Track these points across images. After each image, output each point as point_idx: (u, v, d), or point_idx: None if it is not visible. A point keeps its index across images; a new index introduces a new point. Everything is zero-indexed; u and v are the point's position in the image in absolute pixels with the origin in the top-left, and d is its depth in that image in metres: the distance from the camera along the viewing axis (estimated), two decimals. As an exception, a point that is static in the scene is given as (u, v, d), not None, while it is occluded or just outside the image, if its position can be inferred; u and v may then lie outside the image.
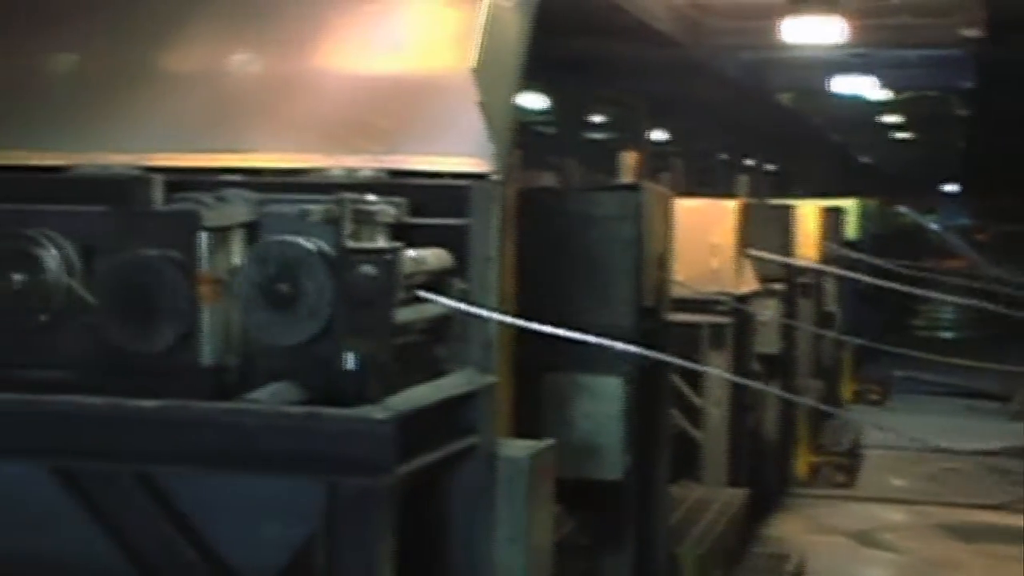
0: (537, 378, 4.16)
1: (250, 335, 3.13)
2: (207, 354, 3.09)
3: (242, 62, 3.70)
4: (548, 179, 6.71)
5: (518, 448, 3.35)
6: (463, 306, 3.28)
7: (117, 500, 2.82)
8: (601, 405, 4.29)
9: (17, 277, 3.14)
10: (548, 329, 3.35)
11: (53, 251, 3.16)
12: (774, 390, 8.29)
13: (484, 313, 3.29)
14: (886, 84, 18.19)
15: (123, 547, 2.82)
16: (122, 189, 3.30)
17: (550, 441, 3.48)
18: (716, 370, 7.15)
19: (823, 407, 10.12)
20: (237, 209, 3.26)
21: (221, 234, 3.17)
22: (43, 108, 3.71)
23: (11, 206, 3.32)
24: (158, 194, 3.28)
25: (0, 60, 3.79)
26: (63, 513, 2.83)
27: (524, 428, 3.54)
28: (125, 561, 2.81)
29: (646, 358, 4.23)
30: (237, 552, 2.81)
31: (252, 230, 3.21)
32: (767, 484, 8.77)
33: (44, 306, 3.15)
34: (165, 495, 2.82)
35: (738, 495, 7.14)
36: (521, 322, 3.37)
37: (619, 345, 3.82)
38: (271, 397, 2.95)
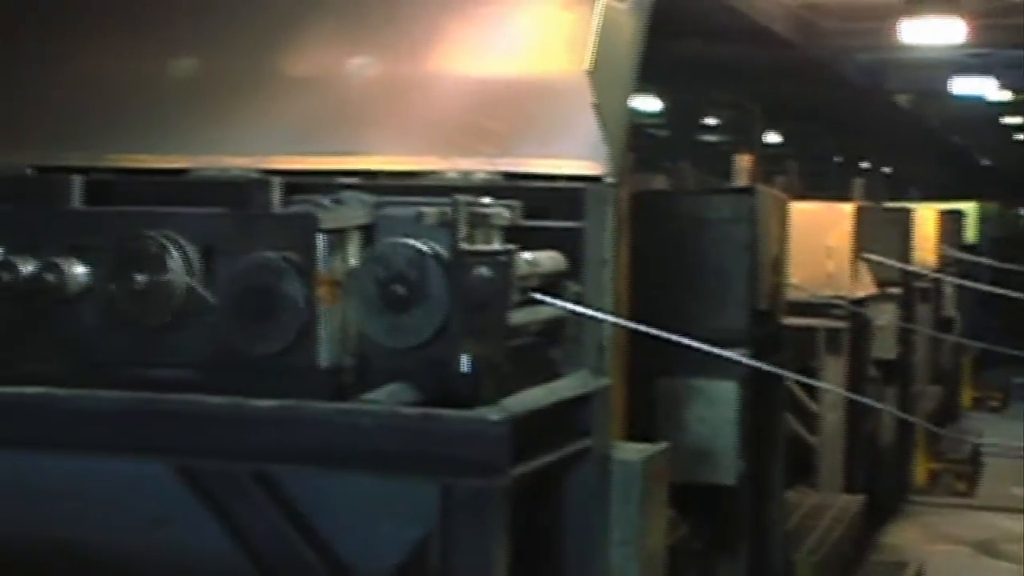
0: (650, 381, 4.14)
1: (366, 336, 3.16)
2: (324, 355, 3.12)
3: (359, 65, 3.73)
4: (660, 182, 6.68)
5: (632, 451, 3.34)
6: (578, 308, 3.27)
7: (236, 498, 2.86)
8: (715, 409, 4.26)
9: (140, 278, 3.20)
10: (662, 334, 3.33)
11: (175, 253, 3.21)
12: (883, 405, 8.16)
13: (599, 315, 3.28)
14: (1006, 85, 17.81)
15: (242, 545, 2.86)
16: (241, 191, 3.35)
17: (664, 445, 3.46)
18: (829, 385, 7.05)
19: (932, 427, 9.93)
20: (354, 211, 3.30)
21: (338, 236, 3.20)
22: (165, 112, 3.78)
23: (134, 208, 3.39)
24: (276, 196, 3.33)
25: (124, 65, 3.86)
26: (185, 510, 2.88)
27: (637, 432, 3.52)
28: (244, 558, 2.85)
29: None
30: (353, 551, 2.83)
31: (368, 232, 3.24)
32: (884, 491, 8.64)
33: (166, 306, 3.21)
34: (283, 494, 2.85)
35: (855, 502, 7.04)
36: (635, 325, 3.35)
37: (728, 354, 3.79)
38: (387, 398, 2.97)
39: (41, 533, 2.97)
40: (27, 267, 3.26)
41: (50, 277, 3.24)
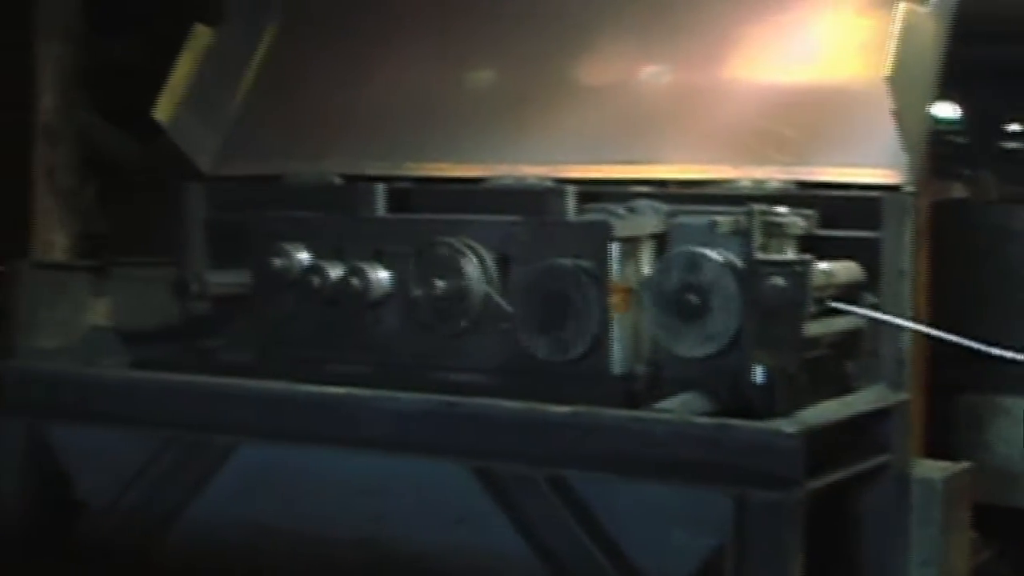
0: (950, 397, 4.00)
1: (658, 345, 3.17)
2: (617, 362, 3.15)
3: (652, 74, 3.74)
4: (958, 190, 6.46)
5: (933, 469, 3.23)
6: (881, 316, 3.19)
7: (531, 501, 2.91)
8: (1020, 428, 4.08)
9: (440, 284, 3.30)
10: (973, 344, 3.21)
11: (473, 259, 3.30)
12: None
13: (901, 323, 3.18)
14: None
15: (536, 546, 2.90)
16: (537, 200, 3.42)
17: (966, 464, 3.34)
18: None
19: None
20: (647, 220, 3.31)
21: (631, 244, 3.23)
22: (462, 122, 3.88)
23: (435, 216, 3.50)
24: (571, 205, 3.37)
25: (424, 77, 3.98)
26: (481, 511, 2.94)
27: (936, 449, 3.41)
28: (538, 560, 2.90)
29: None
30: (645, 558, 2.84)
31: (661, 241, 3.25)
32: None
33: (464, 312, 3.30)
34: (576, 498, 2.88)
35: None
36: (944, 334, 3.23)
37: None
38: (680, 407, 2.97)
39: (345, 529, 3.09)
40: (335, 272, 3.41)
41: (355, 282, 3.37)
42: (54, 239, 5.14)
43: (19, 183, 5.19)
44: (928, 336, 3.23)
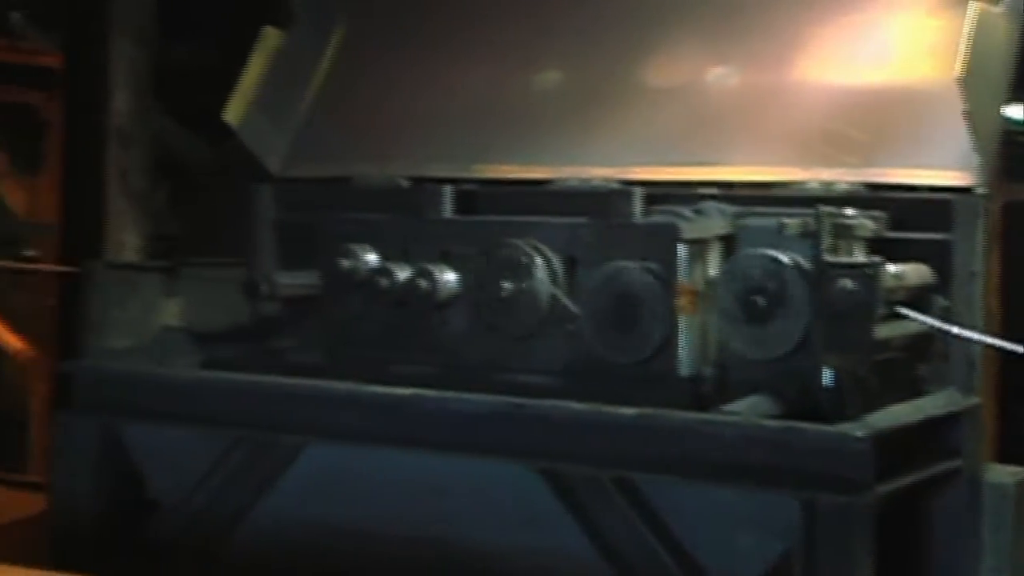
0: (1021, 401, 3.96)
1: (725, 347, 3.16)
2: (684, 364, 3.14)
3: (720, 75, 3.73)
4: (1029, 192, 6.39)
5: (1005, 474, 3.20)
6: (943, 325, 3.16)
7: (598, 502, 2.91)
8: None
9: (507, 285, 3.31)
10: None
11: (539, 261, 3.31)
12: None
13: (966, 333, 3.16)
14: None
15: (603, 548, 2.90)
16: (603, 202, 3.41)
17: (1039, 468, 3.30)
18: None
19: None
20: (714, 222, 3.30)
21: (698, 246, 3.22)
22: (528, 123, 3.89)
23: (501, 218, 3.51)
24: (638, 207, 3.37)
25: (490, 78, 3.99)
26: (548, 512, 2.95)
27: (1007, 456, 3.37)
28: (604, 562, 2.90)
29: None
30: (712, 561, 2.83)
31: (729, 243, 3.24)
32: None
33: (530, 314, 3.31)
34: (643, 500, 2.88)
35: None
36: (1007, 344, 3.20)
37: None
38: (748, 410, 2.96)
39: (412, 529, 3.11)
40: (402, 273, 3.43)
41: (423, 283, 3.39)
42: (126, 240, 5.22)
43: (93, 185, 5.28)
44: (988, 345, 3.19)
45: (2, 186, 7.77)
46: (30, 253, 7.17)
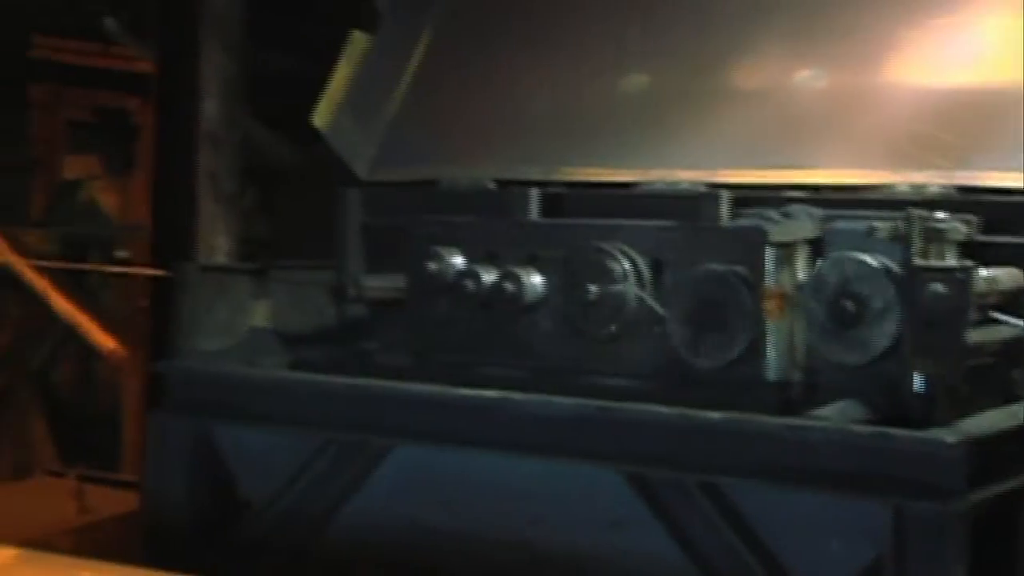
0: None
1: (813, 351, 3.14)
2: (771, 369, 3.13)
3: (807, 78, 3.70)
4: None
5: (1101, 482, 3.14)
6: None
7: (685, 507, 2.91)
8: None
9: (592, 288, 3.32)
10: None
11: (626, 264, 3.31)
12: None
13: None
14: None
15: (690, 553, 2.90)
16: (690, 205, 3.41)
17: None
18: None
19: None
20: (802, 225, 3.28)
21: (786, 250, 3.20)
22: (615, 126, 3.89)
23: (588, 220, 3.52)
24: (725, 210, 3.35)
25: (577, 80, 4.00)
26: (635, 515, 2.95)
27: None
28: (692, 567, 2.89)
29: None
30: (800, 567, 2.81)
31: (817, 246, 3.22)
32: None
33: (617, 317, 3.31)
34: (731, 505, 2.87)
35: None
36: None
37: None
38: (837, 415, 2.94)
39: (499, 531, 3.12)
40: (489, 276, 3.45)
41: (509, 286, 3.40)
42: (216, 242, 5.28)
43: (184, 188, 5.36)
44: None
45: (96, 189, 7.91)
46: (122, 255, 7.30)
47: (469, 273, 3.47)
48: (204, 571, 3.37)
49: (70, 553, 3.57)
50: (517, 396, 3.13)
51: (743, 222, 3.32)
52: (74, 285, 6.60)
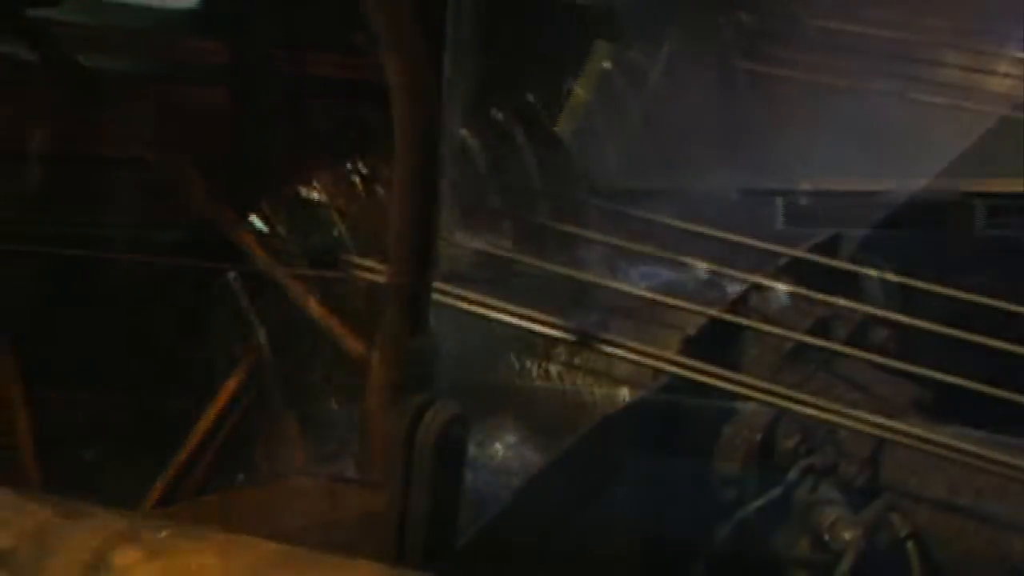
0: None
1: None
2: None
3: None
4: None
5: None
6: None
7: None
8: None
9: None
10: None
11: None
12: None
13: None
14: None
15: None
16: (944, 213, 3.32)
17: None
18: None
19: None
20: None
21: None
22: (864, 135, 3.82)
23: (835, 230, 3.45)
24: (980, 219, 3.26)
25: (828, 89, 3.95)
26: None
27: None
28: None
29: None
30: None
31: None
32: None
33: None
34: None
35: None
36: None
37: None
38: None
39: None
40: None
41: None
42: (456, 251, 5.39)
43: (426, 198, 5.48)
44: None
45: (341, 197, 8.15)
46: (367, 263, 7.49)
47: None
48: (447, 571, 3.44)
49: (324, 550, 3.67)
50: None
51: (997, 232, 3.21)
52: (324, 291, 6.81)
